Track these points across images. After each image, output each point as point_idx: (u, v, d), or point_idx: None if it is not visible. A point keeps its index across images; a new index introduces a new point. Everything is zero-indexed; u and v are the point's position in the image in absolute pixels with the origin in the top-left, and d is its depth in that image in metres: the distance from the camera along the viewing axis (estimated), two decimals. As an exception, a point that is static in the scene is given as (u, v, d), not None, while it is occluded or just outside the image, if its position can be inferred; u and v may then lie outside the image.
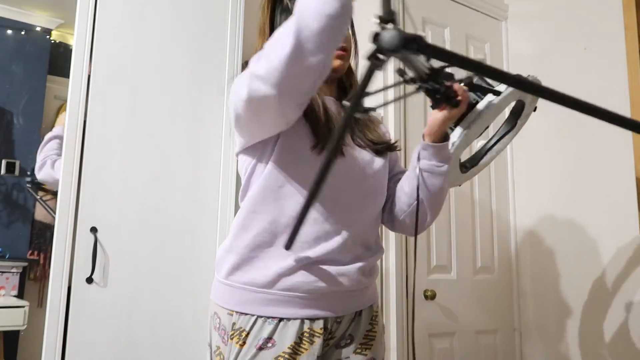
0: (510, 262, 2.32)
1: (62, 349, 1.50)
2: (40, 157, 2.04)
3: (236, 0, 1.95)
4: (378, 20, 0.73)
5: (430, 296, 2.00)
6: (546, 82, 2.36)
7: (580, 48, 2.15)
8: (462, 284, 2.14)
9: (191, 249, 1.74)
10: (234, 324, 1.07)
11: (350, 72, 1.23)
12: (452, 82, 1.05)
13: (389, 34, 0.69)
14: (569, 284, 2.10)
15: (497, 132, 1.30)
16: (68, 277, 1.55)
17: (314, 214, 1.08)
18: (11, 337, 2.74)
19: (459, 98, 1.06)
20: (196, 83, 1.81)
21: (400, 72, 0.99)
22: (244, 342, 1.05)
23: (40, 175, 2.02)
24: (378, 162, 1.17)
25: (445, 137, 1.14)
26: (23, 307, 2.58)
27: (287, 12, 1.14)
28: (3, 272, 2.78)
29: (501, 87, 1.11)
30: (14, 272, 2.81)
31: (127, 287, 1.62)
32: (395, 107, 2.03)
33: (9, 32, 3.02)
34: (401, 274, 1.95)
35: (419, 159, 1.15)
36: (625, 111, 1.96)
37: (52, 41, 3.18)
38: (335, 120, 1.12)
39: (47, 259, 2.92)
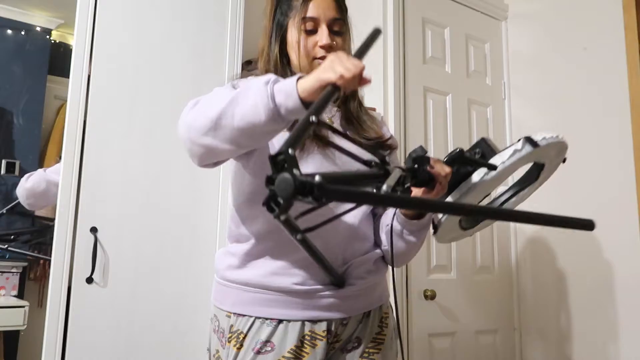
0: (510, 262, 2.32)
1: (62, 349, 1.50)
2: (24, 178, 2.01)
3: (236, 0, 1.95)
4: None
5: (430, 296, 2.00)
6: (546, 81, 2.36)
7: (580, 48, 2.15)
8: (462, 284, 2.14)
9: (191, 249, 1.74)
10: (231, 326, 1.05)
11: None
12: (433, 162, 0.98)
13: (282, 183, 0.60)
14: (568, 284, 2.10)
15: (514, 184, 1.17)
16: (68, 277, 1.55)
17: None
18: (11, 337, 2.74)
19: (438, 181, 0.98)
20: (196, 83, 1.81)
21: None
22: (242, 345, 1.02)
23: (29, 184, 1.98)
24: (368, 157, 1.10)
25: (421, 214, 1.08)
26: (23, 307, 2.58)
27: (286, 15, 1.13)
28: (3, 272, 2.77)
29: (498, 158, 1.00)
30: (14, 272, 2.80)
31: (127, 287, 1.62)
32: (395, 109, 2.03)
33: (9, 32, 3.02)
34: (401, 274, 1.95)
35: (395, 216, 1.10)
36: (625, 111, 1.96)
37: (52, 41, 3.17)
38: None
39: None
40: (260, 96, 0.85)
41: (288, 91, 0.85)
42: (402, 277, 1.95)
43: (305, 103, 0.84)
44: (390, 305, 1.20)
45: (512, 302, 2.30)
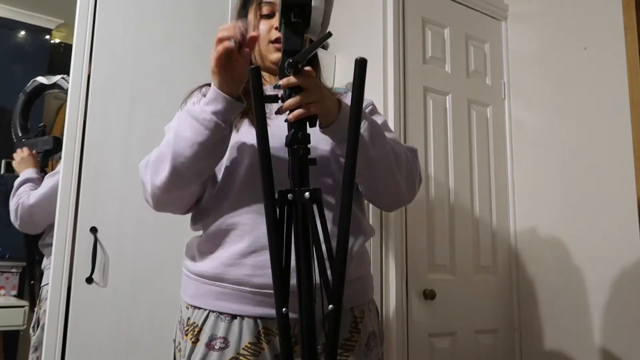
0: (510, 262, 2.32)
1: (62, 349, 1.50)
2: (12, 203, 1.91)
3: (236, 0, 1.95)
4: None
5: (430, 296, 2.00)
6: (546, 81, 2.35)
7: (580, 48, 2.15)
8: (462, 284, 2.14)
9: (191, 249, 1.74)
10: (188, 318, 1.05)
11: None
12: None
13: None
14: (568, 284, 2.10)
15: None
16: (68, 277, 1.55)
17: (244, 193, 1.01)
18: (11, 337, 2.74)
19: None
20: (196, 83, 1.81)
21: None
22: (197, 339, 1.01)
23: (19, 221, 1.87)
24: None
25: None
26: (23, 307, 2.58)
27: (248, 5, 1.19)
28: (3, 272, 2.77)
29: None
30: (13, 272, 2.80)
31: (127, 287, 1.62)
32: (395, 109, 2.03)
33: (9, 32, 3.02)
34: (401, 273, 1.95)
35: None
36: (625, 111, 1.96)
37: (52, 41, 3.17)
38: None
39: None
40: (194, 119, 0.93)
41: (212, 97, 0.93)
42: (401, 276, 1.95)
43: (231, 96, 0.93)
44: (377, 309, 1.15)
45: (512, 302, 2.30)
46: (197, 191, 1.03)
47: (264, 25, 1.14)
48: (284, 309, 0.83)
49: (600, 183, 2.02)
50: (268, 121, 1.02)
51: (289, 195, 0.84)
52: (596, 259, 2.01)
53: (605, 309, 1.97)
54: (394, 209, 1.25)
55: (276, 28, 1.12)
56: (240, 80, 0.97)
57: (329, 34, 0.92)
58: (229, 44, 0.92)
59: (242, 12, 1.21)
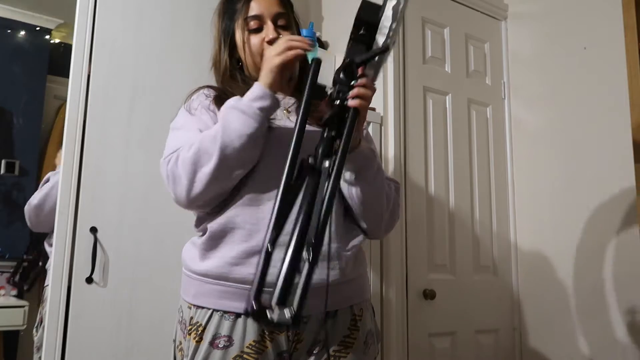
0: (510, 262, 2.32)
1: (62, 349, 1.50)
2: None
3: (236, 0, 1.95)
4: None
5: (430, 295, 2.00)
6: (546, 81, 2.35)
7: (580, 48, 2.15)
8: (462, 283, 2.14)
9: (191, 249, 1.74)
10: (191, 318, 1.05)
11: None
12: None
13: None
14: (568, 284, 2.10)
15: None
16: (68, 277, 1.55)
17: (251, 194, 1.03)
18: (11, 337, 2.74)
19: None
20: (196, 83, 1.81)
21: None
22: (201, 338, 1.01)
23: (28, 222, 1.91)
24: None
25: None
26: (23, 307, 2.58)
27: (231, 19, 1.20)
28: (3, 272, 2.77)
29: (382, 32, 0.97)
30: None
31: (127, 287, 1.62)
32: (395, 109, 2.03)
33: (9, 32, 3.02)
34: (401, 273, 1.95)
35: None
36: (625, 111, 1.96)
37: (52, 41, 3.17)
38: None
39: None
40: (242, 112, 0.97)
41: (259, 95, 0.98)
42: (402, 276, 1.95)
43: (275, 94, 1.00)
44: (372, 309, 1.16)
45: (512, 302, 2.30)
46: (233, 183, 1.02)
47: (255, 39, 1.15)
48: (268, 247, 0.79)
49: (600, 183, 2.02)
50: (284, 122, 1.09)
51: (309, 159, 0.85)
52: (596, 259, 2.01)
53: (605, 309, 1.97)
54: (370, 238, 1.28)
55: (268, 42, 1.13)
56: (282, 82, 1.05)
57: (387, 48, 0.97)
58: (302, 52, 0.99)
59: (229, 25, 1.20)
